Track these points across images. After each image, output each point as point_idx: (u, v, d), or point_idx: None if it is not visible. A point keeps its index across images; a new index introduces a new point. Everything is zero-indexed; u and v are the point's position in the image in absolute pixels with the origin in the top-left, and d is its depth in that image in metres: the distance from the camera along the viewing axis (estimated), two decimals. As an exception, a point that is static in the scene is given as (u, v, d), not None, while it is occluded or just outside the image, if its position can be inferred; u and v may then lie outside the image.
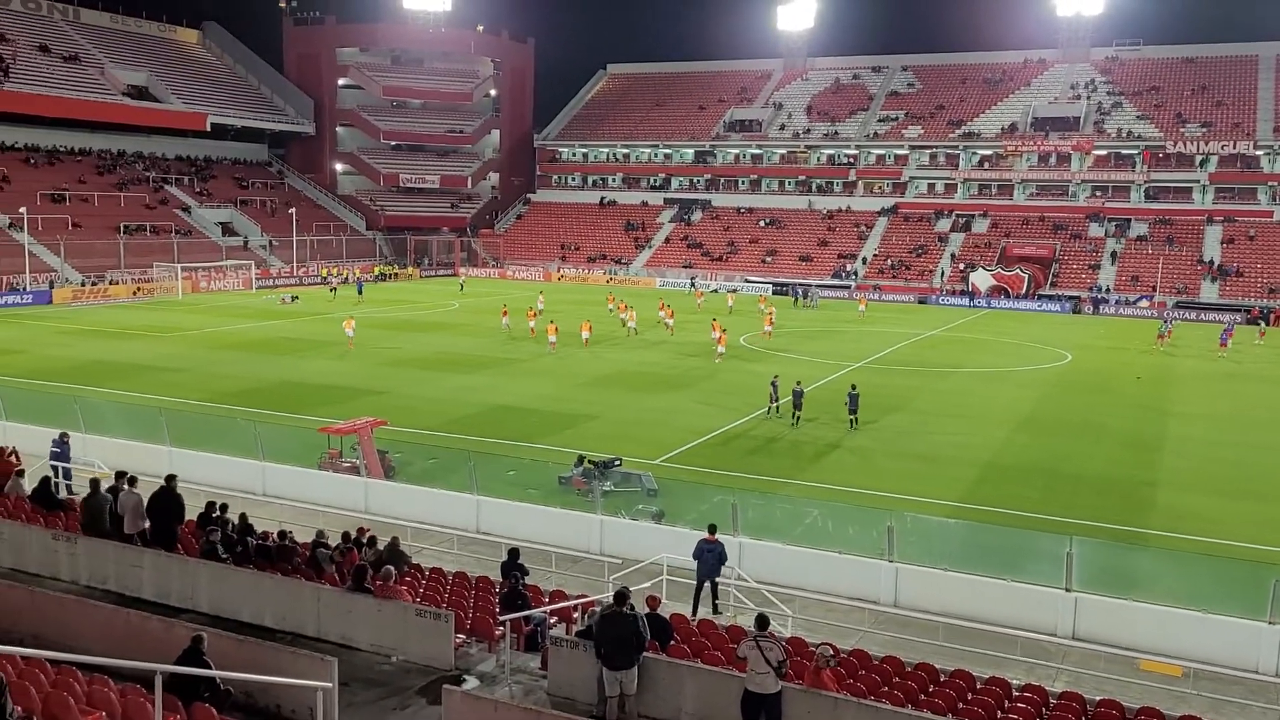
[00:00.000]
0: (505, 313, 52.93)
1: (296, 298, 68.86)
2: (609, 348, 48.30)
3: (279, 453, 24.89)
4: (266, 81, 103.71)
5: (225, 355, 44.28)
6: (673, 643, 13.35)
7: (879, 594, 18.34)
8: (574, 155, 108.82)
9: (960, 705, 12.49)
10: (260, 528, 17.56)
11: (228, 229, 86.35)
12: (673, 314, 55.20)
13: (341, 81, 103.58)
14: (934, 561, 18.83)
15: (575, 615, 15.16)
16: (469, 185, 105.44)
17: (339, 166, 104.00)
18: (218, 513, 16.69)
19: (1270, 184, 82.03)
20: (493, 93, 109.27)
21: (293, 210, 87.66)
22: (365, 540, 16.56)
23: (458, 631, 13.62)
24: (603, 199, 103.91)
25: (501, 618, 13.97)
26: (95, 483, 17.25)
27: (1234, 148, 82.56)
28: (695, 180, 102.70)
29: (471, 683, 12.87)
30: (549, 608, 15.21)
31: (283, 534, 16.16)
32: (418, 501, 22.77)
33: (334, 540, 16.86)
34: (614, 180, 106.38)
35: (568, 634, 13.84)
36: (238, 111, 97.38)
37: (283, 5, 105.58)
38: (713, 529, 17.88)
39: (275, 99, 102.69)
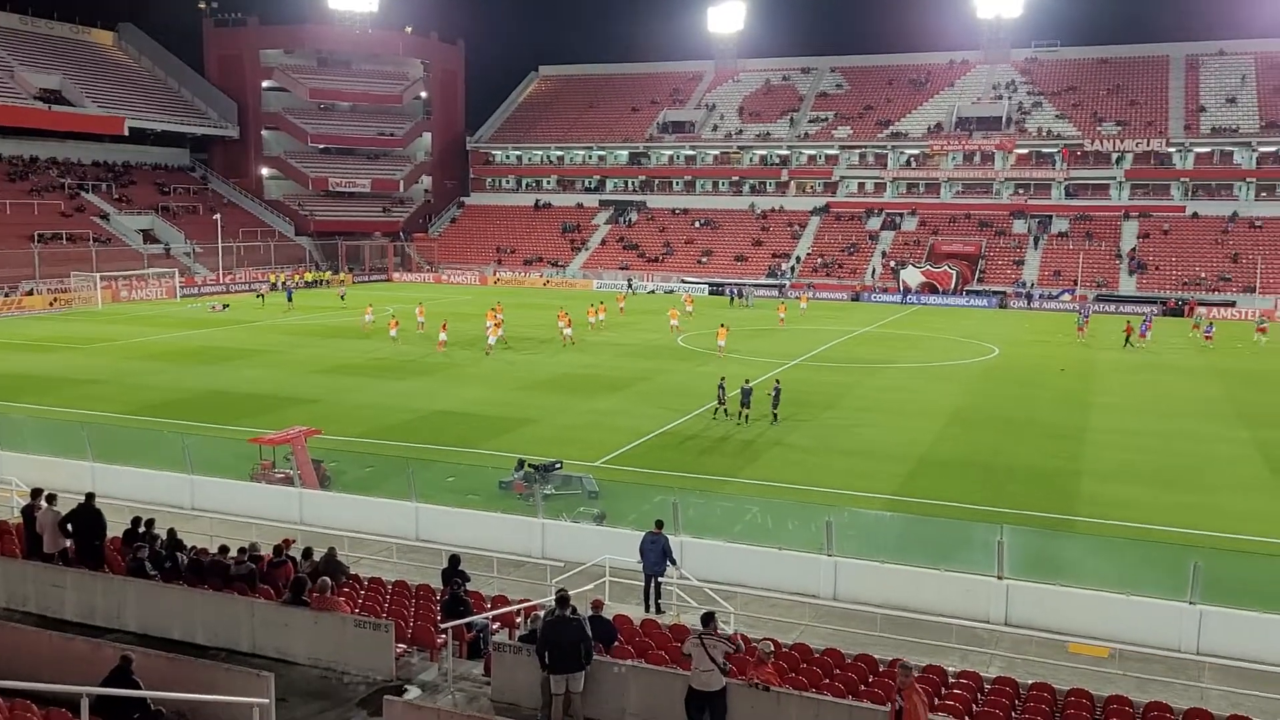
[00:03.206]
0: (395, 323, 50.74)
1: (227, 305, 67.45)
2: (547, 352, 48.11)
3: (208, 465, 24.32)
4: (187, 84, 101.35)
5: (150, 366, 43.16)
6: (616, 644, 13.38)
7: (819, 588, 18.56)
8: (508, 158, 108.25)
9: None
10: (190, 542, 17.17)
11: (149, 236, 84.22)
12: (570, 323, 50.86)
13: (266, 84, 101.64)
14: (872, 554, 19.11)
15: (518, 620, 15.08)
16: (401, 189, 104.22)
17: (265, 171, 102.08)
18: (144, 528, 16.27)
19: (1182, 180, 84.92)
20: (423, 95, 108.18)
21: (217, 216, 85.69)
22: (289, 552, 16.27)
23: (399, 641, 13.50)
24: (537, 201, 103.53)
25: (443, 625, 13.84)
26: None
27: (1148, 145, 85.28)
28: (630, 182, 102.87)
29: (413, 692, 12.75)
30: (491, 613, 15.11)
31: (224, 549, 15.79)
32: (354, 510, 22.43)
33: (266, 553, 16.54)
34: (548, 182, 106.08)
35: (511, 639, 13.77)
36: (157, 115, 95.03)
37: (202, 6, 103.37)
38: (659, 524, 17.97)
39: (197, 102, 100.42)
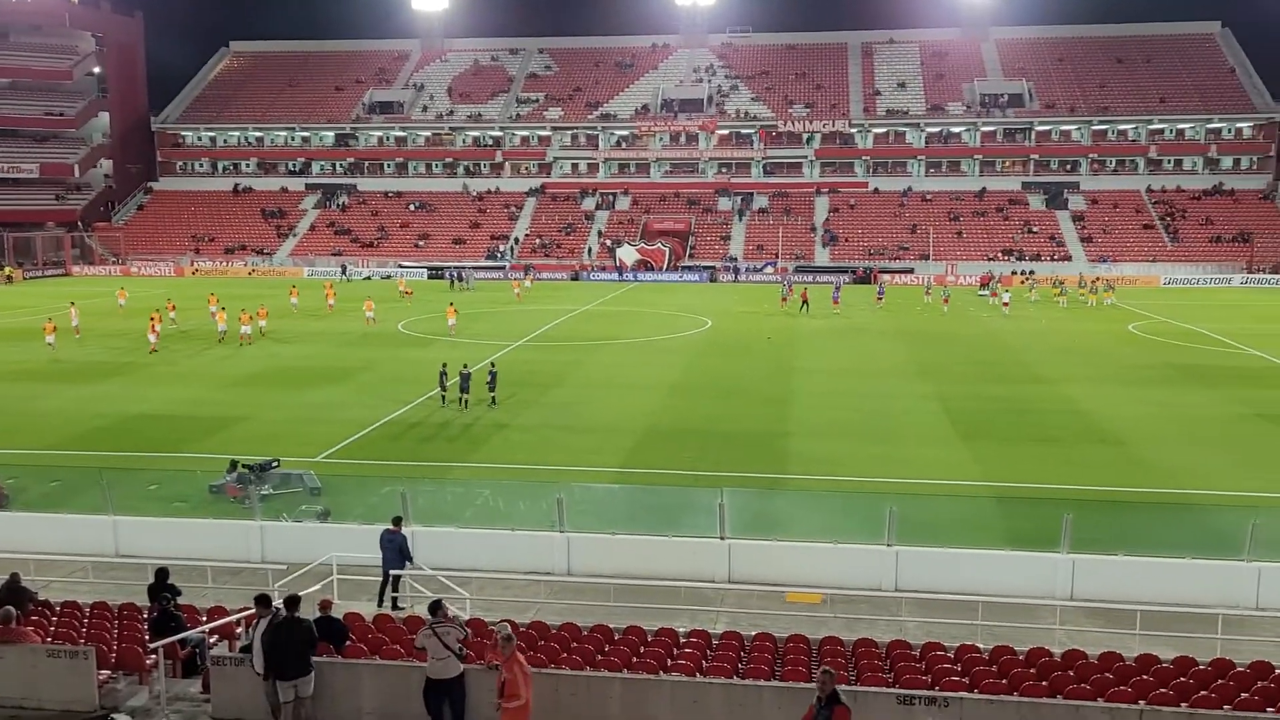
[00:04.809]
0: (53, 329, 43.67)
1: None
2: (257, 344, 45.31)
3: None
4: None
5: None
6: (349, 643, 12.92)
7: (553, 565, 18.78)
8: (200, 139, 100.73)
9: (634, 659, 13.12)
10: None
11: None
12: (250, 318, 46.58)
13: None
14: (603, 527, 19.57)
15: (238, 630, 14.20)
16: (76, 174, 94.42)
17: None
18: None
19: (864, 158, 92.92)
20: (97, 71, 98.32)
21: None
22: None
23: (102, 667, 12.44)
24: (237, 186, 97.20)
25: (152, 645, 12.81)
26: None
27: (833, 126, 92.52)
28: (338, 164, 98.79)
29: (122, 720, 11.74)
30: (207, 626, 14.15)
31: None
32: (39, 530, 20.23)
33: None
34: (248, 165, 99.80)
35: (231, 650, 12.96)
36: None
37: None
38: (397, 521, 17.45)
39: None
